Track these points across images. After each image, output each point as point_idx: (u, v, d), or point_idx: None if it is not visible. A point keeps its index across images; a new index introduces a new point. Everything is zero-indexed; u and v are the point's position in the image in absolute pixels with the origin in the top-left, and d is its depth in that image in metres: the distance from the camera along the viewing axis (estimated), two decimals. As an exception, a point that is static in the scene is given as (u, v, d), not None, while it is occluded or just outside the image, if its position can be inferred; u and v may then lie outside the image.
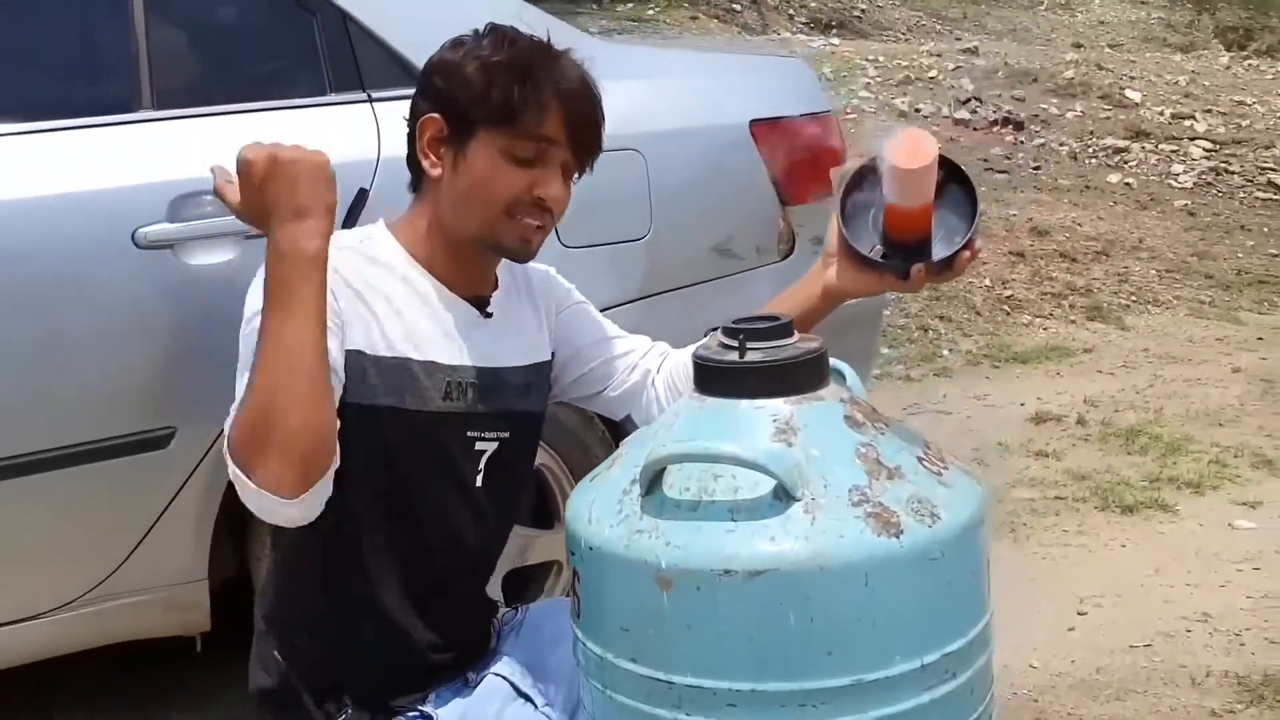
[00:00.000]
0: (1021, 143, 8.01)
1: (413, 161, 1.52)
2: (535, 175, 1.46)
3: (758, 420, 1.27)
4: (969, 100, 8.61)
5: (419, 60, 2.09)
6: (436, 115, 1.47)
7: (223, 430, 1.93)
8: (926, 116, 8.25)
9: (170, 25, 1.99)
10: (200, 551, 2.04)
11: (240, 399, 1.35)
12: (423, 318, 1.49)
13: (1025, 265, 5.99)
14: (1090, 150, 7.93)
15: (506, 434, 1.57)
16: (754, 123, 2.40)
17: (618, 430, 2.40)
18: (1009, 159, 7.64)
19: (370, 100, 2.08)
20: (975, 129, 8.26)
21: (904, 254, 1.39)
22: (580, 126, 1.47)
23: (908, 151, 1.29)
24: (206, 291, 1.91)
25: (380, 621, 1.49)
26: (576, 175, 1.53)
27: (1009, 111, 8.41)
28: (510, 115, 1.43)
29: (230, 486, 2.00)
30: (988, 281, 5.72)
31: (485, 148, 1.45)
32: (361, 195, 2.01)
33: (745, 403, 1.29)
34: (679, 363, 1.66)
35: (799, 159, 2.50)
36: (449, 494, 1.53)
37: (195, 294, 1.92)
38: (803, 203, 2.50)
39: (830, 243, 1.51)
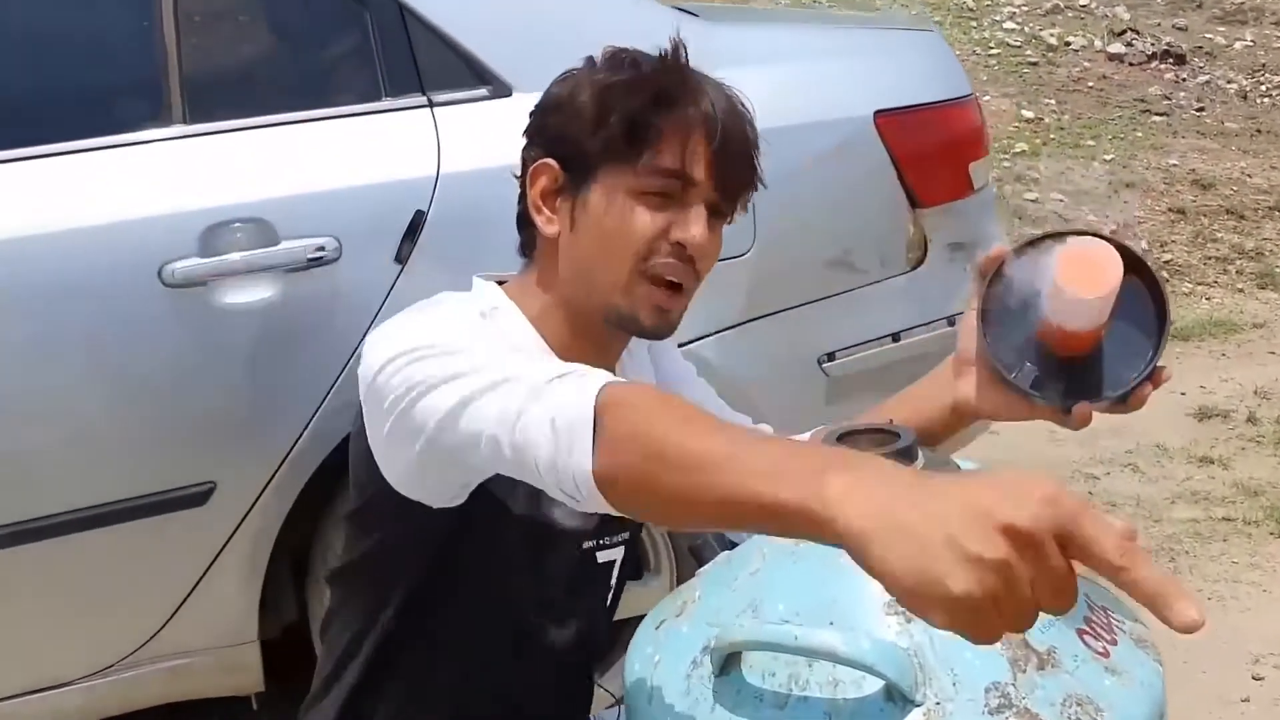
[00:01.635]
0: (1183, 80, 7.33)
1: (523, 221, 1.21)
2: (672, 217, 1.13)
3: (867, 583, 0.96)
4: (1124, 32, 7.91)
5: (489, 59, 1.85)
6: (549, 161, 1.16)
7: (266, 485, 1.79)
8: (1077, 50, 7.63)
9: (201, 24, 1.74)
10: (249, 612, 1.85)
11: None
12: None
13: (1186, 224, 5.46)
14: (1263, 88, 7.22)
15: (628, 534, 1.29)
16: (879, 114, 2.06)
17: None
18: (1168, 99, 7.00)
19: (431, 105, 1.81)
20: (1131, 64, 7.60)
21: (1065, 376, 1.06)
22: (719, 157, 1.14)
23: (1086, 275, 0.97)
24: (243, 333, 1.70)
25: None
26: (727, 220, 1.20)
27: (1169, 44, 7.70)
28: (636, 144, 1.12)
29: (279, 542, 1.86)
30: (1144, 243, 5.22)
31: (608, 190, 1.14)
32: (418, 218, 1.75)
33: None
34: None
35: (934, 154, 2.16)
36: (590, 628, 1.28)
37: (230, 336, 1.70)
38: (938, 204, 2.16)
39: (964, 349, 1.14)
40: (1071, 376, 1.05)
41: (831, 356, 2.10)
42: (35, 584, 1.73)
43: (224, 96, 1.77)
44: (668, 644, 1.06)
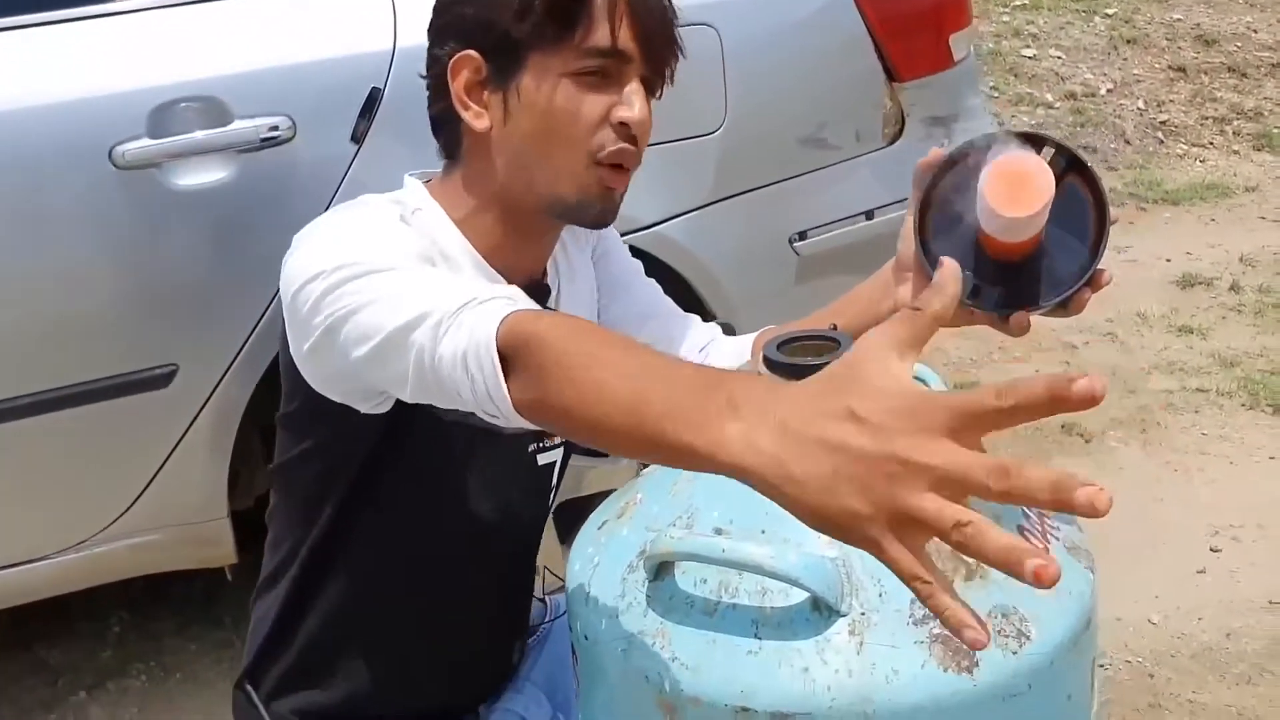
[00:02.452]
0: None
1: (443, 121, 1.16)
2: (610, 98, 1.09)
3: (800, 491, 0.98)
4: None
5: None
6: (470, 52, 1.11)
7: (229, 367, 1.78)
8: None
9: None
10: (217, 488, 1.87)
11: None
12: None
13: (1186, 82, 5.35)
14: (1276, -64, 6.98)
15: None
16: (857, -18, 1.98)
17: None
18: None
19: (385, -25, 1.74)
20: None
21: (1003, 282, 1.03)
22: (648, 28, 1.10)
23: (1015, 193, 0.94)
24: (198, 215, 1.67)
25: (389, 659, 1.27)
26: (657, 95, 1.16)
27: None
28: (568, 24, 1.08)
29: (249, 416, 1.87)
30: (1140, 103, 5.12)
31: (543, 76, 1.09)
32: (374, 95, 1.70)
33: (786, 463, 1.00)
34: (725, 354, 1.33)
35: (914, 24, 2.09)
36: (522, 527, 1.28)
37: (186, 218, 1.67)
38: (917, 78, 2.10)
39: (903, 254, 1.14)
40: (1009, 282, 1.03)
41: (803, 235, 2.07)
42: (3, 464, 1.75)
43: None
44: (607, 546, 1.07)
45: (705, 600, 0.97)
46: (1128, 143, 4.85)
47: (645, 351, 0.80)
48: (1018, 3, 5.95)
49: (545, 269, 1.23)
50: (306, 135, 1.68)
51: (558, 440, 1.26)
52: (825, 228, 2.09)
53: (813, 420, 0.63)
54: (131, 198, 1.64)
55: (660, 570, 1.00)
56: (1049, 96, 5.09)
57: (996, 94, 5.07)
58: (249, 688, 1.28)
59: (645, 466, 1.21)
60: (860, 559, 0.96)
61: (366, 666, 1.25)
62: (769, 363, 1.03)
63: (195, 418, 1.77)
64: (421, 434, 1.13)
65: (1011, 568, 0.59)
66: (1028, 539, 1.03)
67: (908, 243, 1.11)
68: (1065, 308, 1.03)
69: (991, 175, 0.95)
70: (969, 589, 0.96)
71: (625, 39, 1.09)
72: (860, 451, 0.61)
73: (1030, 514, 1.06)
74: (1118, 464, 2.71)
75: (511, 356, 0.85)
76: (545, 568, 1.44)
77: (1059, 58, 5.41)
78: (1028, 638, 0.95)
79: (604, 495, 2.08)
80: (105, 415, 1.74)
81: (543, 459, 1.26)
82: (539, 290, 1.20)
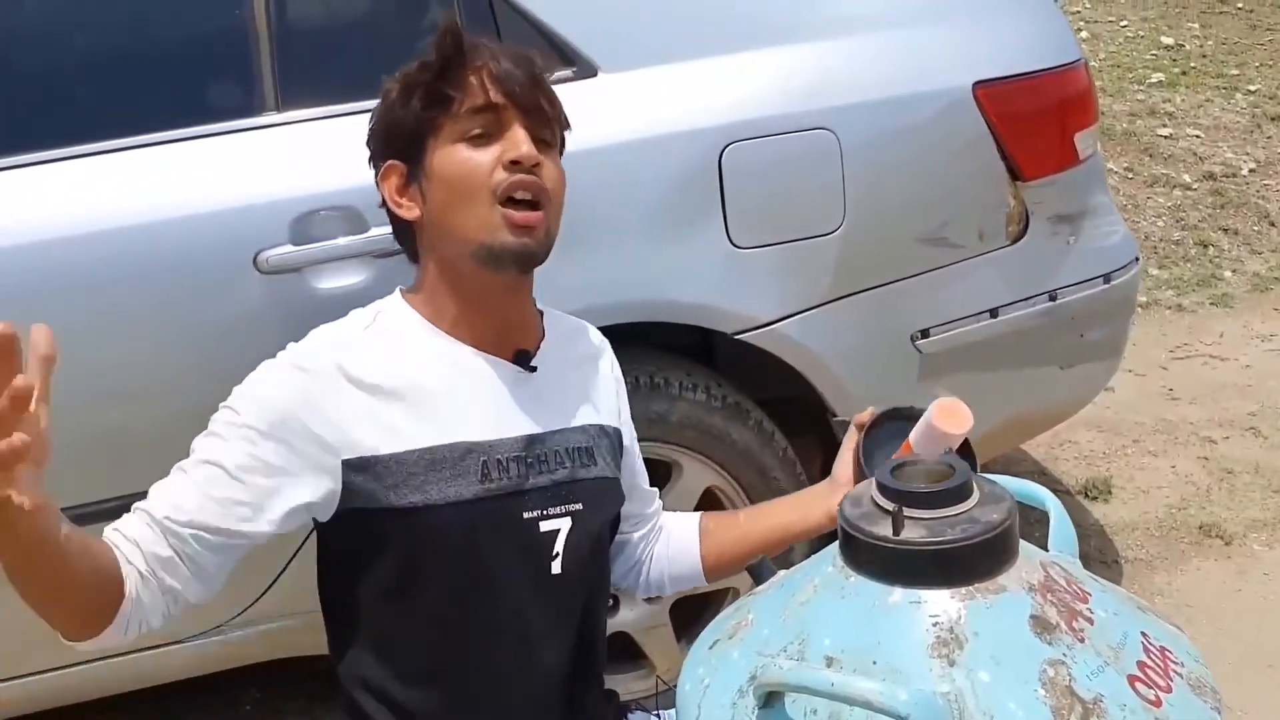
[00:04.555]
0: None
1: (397, 232, 1.39)
2: (499, 146, 1.29)
3: (913, 622, 0.98)
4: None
5: (575, 39, 1.85)
6: (391, 161, 1.34)
7: None
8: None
9: (292, 16, 1.78)
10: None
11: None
12: (452, 391, 1.30)
13: (1335, 160, 5.15)
14: None
15: (579, 506, 1.34)
16: (979, 84, 1.99)
17: (802, 446, 2.13)
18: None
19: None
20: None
21: None
22: (516, 82, 1.29)
23: (951, 417, 1.33)
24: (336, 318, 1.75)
25: None
26: (551, 138, 1.34)
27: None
28: (443, 103, 1.29)
29: None
30: (1286, 183, 4.95)
31: (441, 151, 1.30)
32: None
33: (900, 592, 1.00)
34: (673, 538, 1.55)
35: (1037, 123, 2.08)
36: (522, 591, 1.32)
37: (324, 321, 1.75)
38: (1041, 177, 2.09)
39: (841, 474, 1.43)
40: None
41: (925, 333, 2.06)
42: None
43: (314, 86, 1.80)
44: (718, 669, 1.08)
45: (815, 731, 0.97)
46: (1273, 224, 4.68)
47: None
48: (1154, 80, 5.84)
49: (535, 344, 1.37)
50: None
51: (559, 510, 1.34)
52: (949, 325, 2.08)
53: None
54: (274, 301, 1.73)
55: (769, 698, 1.00)
56: (1186, 177, 4.96)
57: (1130, 175, 4.96)
58: None
59: (758, 583, 1.22)
60: (974, 694, 0.95)
61: None
62: (885, 490, 1.03)
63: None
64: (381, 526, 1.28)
65: None
66: (1148, 676, 1.01)
67: (844, 466, 1.42)
68: None
69: (937, 406, 1.33)
70: (1086, 730, 0.94)
71: (496, 94, 1.28)
72: None
73: (1152, 649, 1.03)
74: (1261, 568, 2.59)
75: None
76: (658, 678, 1.46)
77: (1197, 137, 5.28)
78: (1150, 784, 0.93)
79: (722, 593, 2.10)
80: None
81: (545, 526, 1.33)
82: (522, 358, 1.35)
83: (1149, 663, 1.01)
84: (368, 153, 1.38)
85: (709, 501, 2.06)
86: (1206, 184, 4.91)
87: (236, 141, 1.75)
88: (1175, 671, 1.02)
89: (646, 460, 2.04)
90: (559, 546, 1.33)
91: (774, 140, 1.90)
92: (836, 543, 1.06)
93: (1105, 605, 1.05)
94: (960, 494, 1.02)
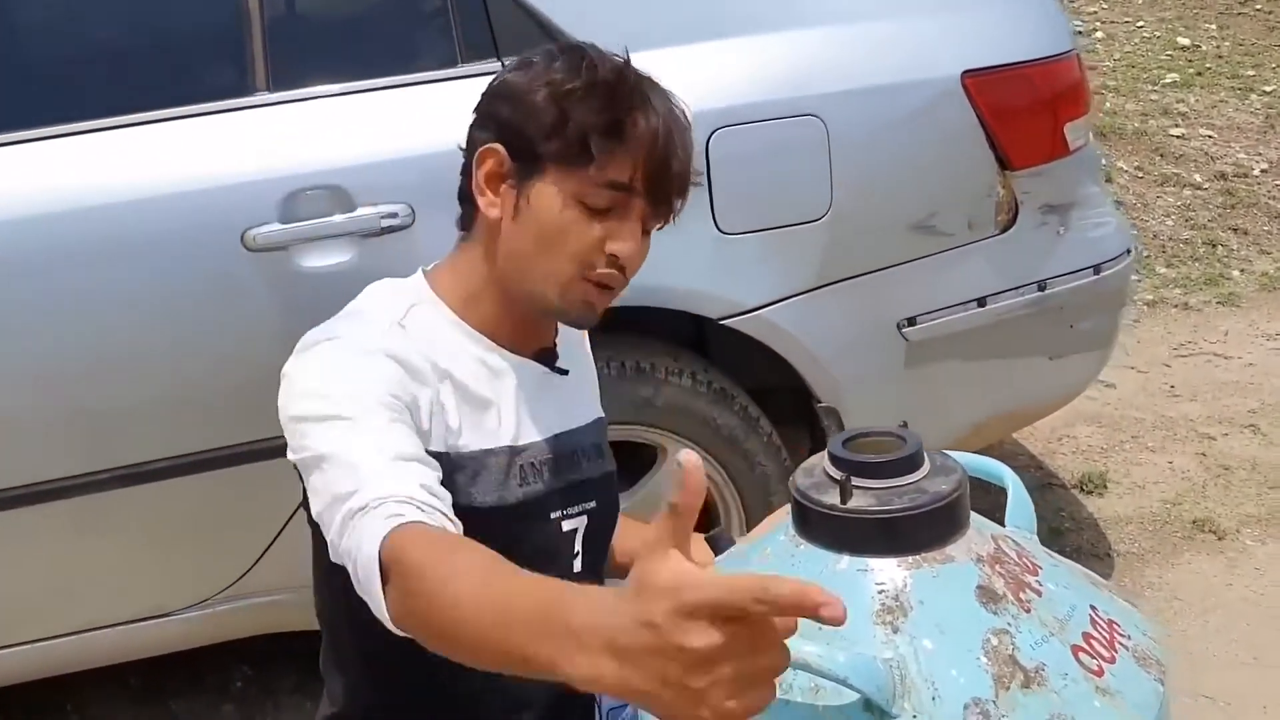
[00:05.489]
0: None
1: (465, 196, 1.29)
2: (610, 227, 1.21)
3: (859, 590, 0.99)
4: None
5: (565, 24, 1.86)
6: (498, 146, 1.24)
7: None
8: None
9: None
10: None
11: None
12: (493, 397, 1.27)
13: (1346, 161, 5.12)
14: None
15: (593, 504, 1.35)
16: (968, 74, 1.99)
17: (787, 433, 2.14)
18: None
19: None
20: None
21: None
22: (662, 175, 1.21)
23: None
24: (322, 296, 1.77)
25: None
26: (658, 226, 1.27)
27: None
28: (585, 156, 1.19)
29: None
30: (1296, 184, 4.92)
31: (553, 190, 1.21)
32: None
33: (847, 560, 1.01)
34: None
35: (1027, 113, 2.09)
36: None
37: (310, 299, 1.77)
38: (1030, 166, 2.09)
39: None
40: None
41: (912, 321, 2.07)
42: (140, 523, 1.86)
43: (305, 66, 1.82)
44: (672, 634, 1.10)
45: (759, 695, 0.98)
46: (1283, 224, 4.66)
47: (497, 578, 0.88)
48: (1167, 80, 5.81)
49: (555, 341, 1.33)
50: (425, 222, 1.77)
51: (577, 509, 1.32)
52: (936, 314, 2.09)
53: (628, 630, 0.73)
54: (262, 278, 1.75)
55: (718, 662, 1.01)
56: (1197, 177, 4.93)
57: (1141, 174, 4.95)
58: None
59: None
60: (916, 660, 0.96)
61: None
62: (836, 460, 1.05)
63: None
64: None
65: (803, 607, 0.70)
66: (1092, 647, 1.02)
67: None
68: None
69: None
70: (1026, 696, 0.95)
71: (638, 181, 1.19)
72: (661, 653, 0.71)
73: (1100, 621, 1.04)
74: (1253, 563, 2.59)
75: (390, 579, 0.96)
76: None
77: (1210, 137, 5.25)
78: (1085, 750, 0.94)
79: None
80: (232, 480, 1.84)
81: (566, 525, 1.32)
82: (548, 357, 1.32)
83: (1095, 635, 1.02)
84: (480, 103, 1.27)
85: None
86: (1217, 184, 4.89)
87: (227, 121, 1.77)
88: (1121, 644, 1.03)
89: (633, 444, 2.07)
90: (578, 545, 1.34)
91: (761, 126, 1.91)
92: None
93: (1056, 579, 1.06)
94: (909, 465, 1.03)
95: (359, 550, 0.98)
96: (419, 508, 1.01)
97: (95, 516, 1.82)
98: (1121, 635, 1.04)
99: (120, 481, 1.81)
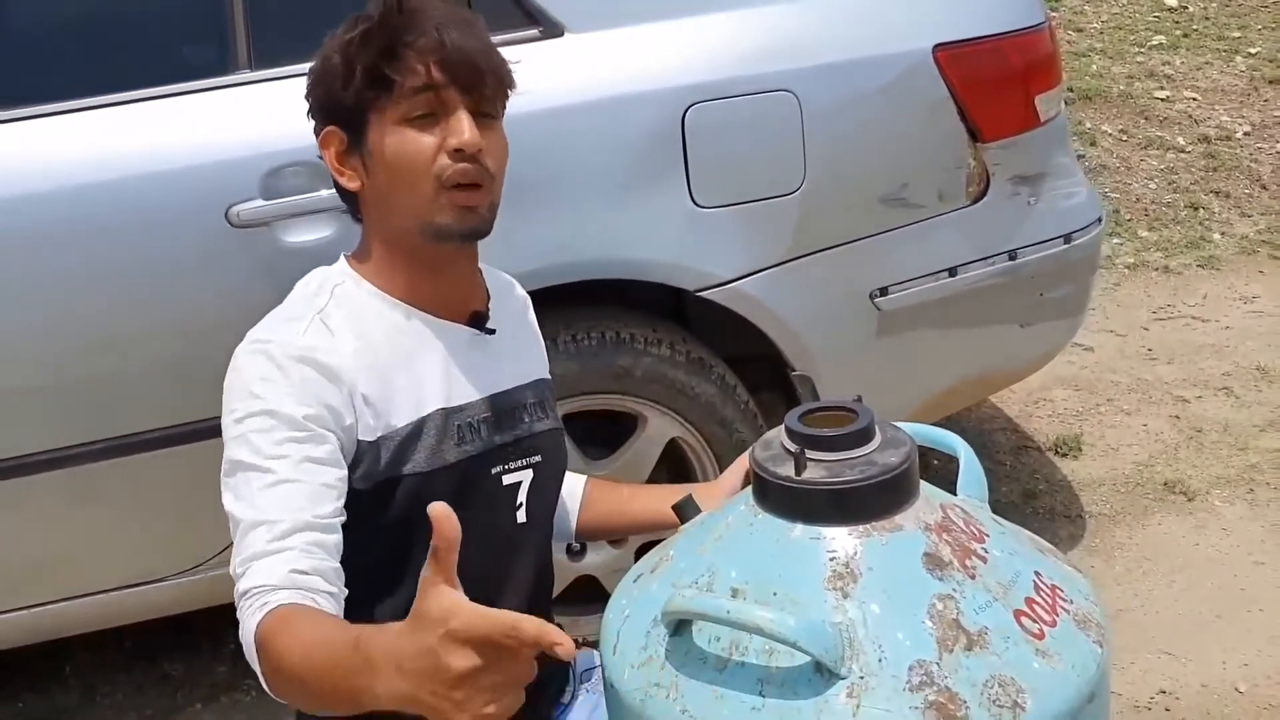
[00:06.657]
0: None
1: (338, 188, 1.37)
2: (440, 129, 1.28)
3: (812, 557, 1.05)
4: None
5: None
6: (331, 127, 1.33)
7: None
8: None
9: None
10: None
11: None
12: (420, 363, 1.33)
13: (1331, 124, 5.14)
14: None
15: (538, 458, 1.41)
16: (939, 47, 2.03)
17: (762, 400, 2.19)
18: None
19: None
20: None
21: None
22: (456, 57, 1.27)
23: None
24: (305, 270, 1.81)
25: None
26: (496, 110, 1.33)
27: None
28: (384, 81, 1.27)
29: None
30: (1280, 146, 4.95)
31: (382, 130, 1.29)
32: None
33: (801, 529, 1.07)
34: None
35: (998, 86, 2.12)
36: (491, 543, 1.38)
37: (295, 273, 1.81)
38: (1001, 138, 2.13)
39: (725, 481, 1.44)
40: None
41: (884, 291, 2.12)
42: (132, 492, 1.92)
43: (286, 44, 1.85)
44: (639, 599, 1.15)
45: (717, 657, 1.03)
46: (1264, 188, 4.69)
47: (321, 639, 1.04)
48: (1155, 42, 5.82)
49: (487, 306, 1.39)
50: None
51: (521, 463, 1.39)
52: (907, 284, 2.13)
53: (410, 656, 0.90)
54: (246, 254, 1.79)
55: (680, 626, 1.06)
56: (1180, 140, 4.97)
57: (1125, 137, 4.98)
58: None
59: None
60: (864, 624, 1.01)
61: None
62: (791, 433, 1.09)
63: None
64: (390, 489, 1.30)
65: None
66: (1035, 611, 1.07)
67: (732, 474, 1.41)
68: None
69: None
70: (969, 657, 1.00)
71: (438, 74, 1.26)
72: (434, 672, 0.89)
73: (1043, 586, 1.10)
74: (1221, 524, 2.65)
75: (261, 654, 1.10)
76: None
77: (1194, 99, 5.28)
78: (1022, 709, 0.99)
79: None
80: (218, 450, 1.88)
81: (507, 479, 1.38)
82: (478, 320, 1.38)
83: (1037, 599, 1.08)
84: (307, 104, 1.36)
85: (673, 453, 2.13)
86: (1200, 147, 4.92)
87: (210, 99, 1.80)
88: (1063, 608, 1.09)
89: (613, 413, 2.12)
90: (522, 497, 1.39)
91: (736, 101, 1.95)
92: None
93: (1002, 546, 1.12)
94: (861, 438, 1.08)
95: (244, 631, 1.13)
96: (290, 590, 1.13)
97: (89, 486, 1.88)
98: (1064, 600, 1.09)
99: (111, 452, 1.86)
